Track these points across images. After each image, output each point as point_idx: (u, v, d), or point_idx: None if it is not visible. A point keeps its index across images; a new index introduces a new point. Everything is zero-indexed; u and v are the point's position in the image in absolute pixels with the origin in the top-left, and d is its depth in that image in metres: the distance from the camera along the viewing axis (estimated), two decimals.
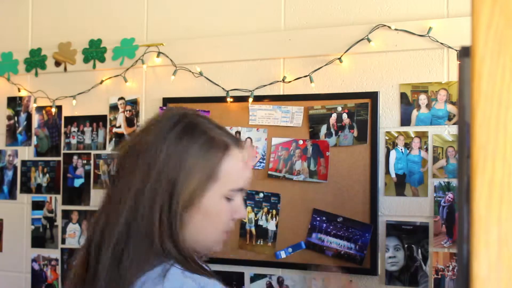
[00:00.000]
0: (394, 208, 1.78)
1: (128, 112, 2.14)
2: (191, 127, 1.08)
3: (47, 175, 2.26)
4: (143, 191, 1.01)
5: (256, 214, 1.91)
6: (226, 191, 1.05)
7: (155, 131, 1.06)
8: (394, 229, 1.76)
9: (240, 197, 1.09)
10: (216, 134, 1.08)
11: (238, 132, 1.94)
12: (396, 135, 1.78)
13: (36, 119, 2.30)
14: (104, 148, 2.17)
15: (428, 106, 1.75)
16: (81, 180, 2.20)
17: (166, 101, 2.06)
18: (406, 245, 1.75)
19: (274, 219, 1.89)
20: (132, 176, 1.03)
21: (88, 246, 1.06)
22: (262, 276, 1.89)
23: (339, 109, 1.83)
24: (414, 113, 1.77)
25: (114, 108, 2.16)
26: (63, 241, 2.22)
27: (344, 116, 1.82)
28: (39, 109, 2.29)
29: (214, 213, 1.05)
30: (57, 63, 2.26)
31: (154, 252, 1.00)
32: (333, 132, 1.83)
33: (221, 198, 1.05)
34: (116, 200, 1.04)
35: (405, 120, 1.78)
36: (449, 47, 1.72)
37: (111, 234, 1.01)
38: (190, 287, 0.98)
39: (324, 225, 1.82)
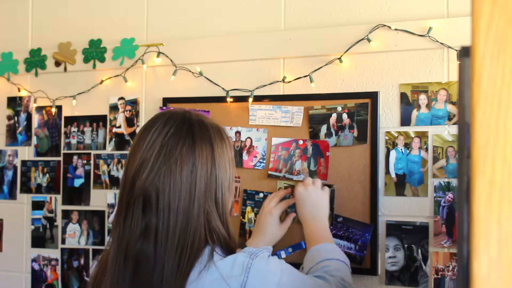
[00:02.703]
0: (394, 208, 1.78)
1: (128, 112, 2.14)
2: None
3: (47, 175, 2.26)
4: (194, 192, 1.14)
5: (256, 214, 1.91)
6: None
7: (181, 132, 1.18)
8: (394, 229, 1.77)
9: None
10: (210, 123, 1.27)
11: (238, 132, 1.94)
12: (396, 135, 1.78)
13: (36, 119, 2.30)
14: (104, 148, 2.17)
15: (428, 106, 1.75)
16: (81, 180, 2.20)
17: (166, 101, 2.06)
18: (406, 245, 1.75)
19: None
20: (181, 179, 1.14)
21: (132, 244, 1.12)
22: None
23: (339, 109, 1.83)
24: (414, 113, 1.77)
25: (114, 108, 2.16)
26: (63, 241, 2.22)
27: (344, 116, 1.83)
28: (39, 109, 2.29)
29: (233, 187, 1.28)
30: (57, 63, 2.26)
31: (204, 241, 1.13)
32: (333, 132, 1.83)
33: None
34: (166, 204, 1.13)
35: (405, 120, 1.78)
36: (449, 47, 1.72)
37: (168, 231, 1.11)
38: (241, 257, 1.12)
39: None
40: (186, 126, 1.17)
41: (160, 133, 1.15)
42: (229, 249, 1.17)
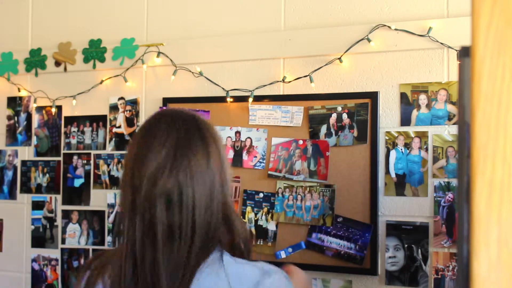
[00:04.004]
0: (394, 208, 1.78)
1: (128, 112, 2.14)
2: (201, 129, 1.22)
3: (47, 175, 2.26)
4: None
5: (256, 214, 1.91)
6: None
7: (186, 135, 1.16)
8: (394, 229, 1.77)
9: None
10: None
11: (238, 132, 1.94)
12: (396, 135, 1.78)
13: (36, 119, 2.30)
14: (104, 148, 2.17)
15: (428, 106, 1.75)
16: (81, 180, 2.20)
17: (166, 101, 2.06)
18: (406, 245, 1.75)
19: (274, 219, 1.89)
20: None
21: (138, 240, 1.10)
22: None
23: (339, 109, 1.83)
24: (414, 113, 1.77)
25: (114, 108, 2.16)
26: (63, 241, 2.22)
27: (344, 116, 1.82)
28: (39, 109, 2.29)
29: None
30: (57, 63, 2.26)
31: (212, 241, 1.11)
32: (333, 132, 1.83)
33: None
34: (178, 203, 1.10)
35: (405, 120, 1.78)
36: (449, 47, 1.72)
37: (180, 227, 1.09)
38: (252, 272, 1.08)
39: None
40: (194, 124, 1.17)
41: (170, 132, 1.14)
42: (246, 245, 1.16)
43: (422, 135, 1.75)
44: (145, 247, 1.09)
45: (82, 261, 2.18)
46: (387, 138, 1.79)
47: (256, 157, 1.91)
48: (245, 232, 1.17)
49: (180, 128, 1.14)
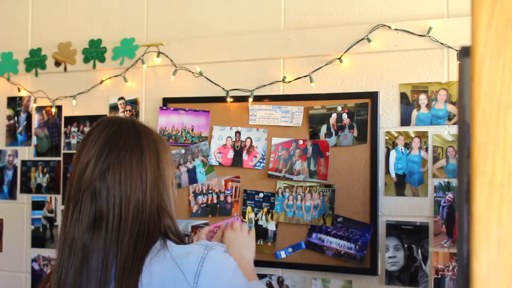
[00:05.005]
0: (394, 208, 1.78)
1: (128, 112, 2.14)
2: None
3: (47, 175, 2.26)
4: (146, 187, 1.20)
5: (256, 214, 1.91)
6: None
7: (127, 140, 1.23)
8: (394, 229, 1.77)
9: None
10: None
11: (238, 132, 1.94)
12: (396, 135, 1.78)
13: (36, 119, 2.30)
14: None
15: (428, 106, 1.75)
16: None
17: (166, 101, 2.06)
18: (406, 245, 1.75)
19: (274, 219, 1.89)
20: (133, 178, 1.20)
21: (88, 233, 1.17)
22: (262, 276, 1.89)
23: (339, 109, 1.83)
24: (414, 113, 1.77)
25: (114, 108, 2.16)
26: None
27: (344, 116, 1.83)
28: (39, 109, 2.29)
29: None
30: (57, 63, 2.26)
31: (152, 232, 1.18)
32: (333, 132, 1.83)
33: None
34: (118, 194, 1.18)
35: (405, 120, 1.78)
36: (449, 47, 1.72)
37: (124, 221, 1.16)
38: (197, 247, 1.17)
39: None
40: (130, 124, 1.26)
41: (104, 130, 1.23)
42: (182, 242, 1.23)
43: (422, 135, 1.75)
44: (76, 235, 1.17)
45: None
46: (387, 138, 1.79)
47: (256, 157, 1.91)
48: (178, 233, 1.24)
49: (114, 128, 1.22)
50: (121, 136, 1.21)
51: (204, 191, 1.98)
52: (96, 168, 1.17)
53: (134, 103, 2.13)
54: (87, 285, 1.14)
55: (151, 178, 1.20)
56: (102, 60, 2.17)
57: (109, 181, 1.16)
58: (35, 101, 2.29)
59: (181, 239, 1.23)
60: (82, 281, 1.14)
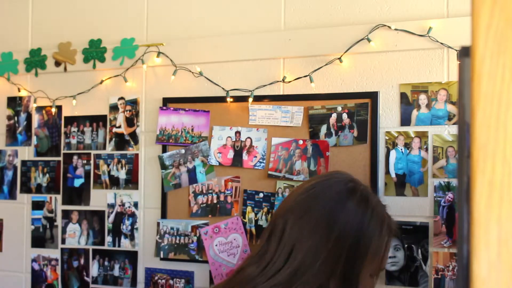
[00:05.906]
0: (394, 208, 1.78)
1: (128, 112, 2.14)
2: (365, 200, 1.31)
3: (47, 175, 2.26)
4: (324, 251, 1.19)
5: (256, 214, 1.91)
6: (375, 270, 1.32)
7: (330, 195, 1.26)
8: None
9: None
10: (383, 212, 1.33)
11: (238, 132, 1.94)
12: (396, 135, 1.78)
13: (36, 119, 2.30)
14: (104, 148, 2.17)
15: (428, 106, 1.75)
16: (81, 180, 2.20)
17: (166, 101, 2.06)
18: (406, 245, 1.75)
19: None
20: (310, 235, 1.20)
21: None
22: None
23: (339, 109, 1.83)
24: (414, 113, 1.77)
25: (114, 108, 2.16)
26: (63, 241, 2.22)
27: (344, 116, 1.83)
28: (39, 109, 2.29)
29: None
30: (57, 63, 2.26)
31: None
32: (333, 132, 1.83)
33: (369, 274, 1.30)
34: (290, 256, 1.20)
35: (405, 120, 1.78)
36: (449, 47, 1.72)
37: None
38: None
39: None
40: (350, 186, 1.31)
41: (319, 182, 1.30)
42: None
43: (422, 135, 1.75)
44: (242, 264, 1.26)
45: (82, 261, 2.18)
46: (387, 138, 1.79)
47: (256, 157, 1.91)
48: None
49: (329, 191, 1.31)
50: (328, 192, 1.34)
51: (204, 191, 1.98)
52: (286, 204, 1.35)
53: (134, 103, 2.13)
54: None
55: (337, 240, 1.25)
56: (102, 60, 2.17)
57: (287, 224, 1.28)
58: (35, 101, 2.29)
59: None
60: None
